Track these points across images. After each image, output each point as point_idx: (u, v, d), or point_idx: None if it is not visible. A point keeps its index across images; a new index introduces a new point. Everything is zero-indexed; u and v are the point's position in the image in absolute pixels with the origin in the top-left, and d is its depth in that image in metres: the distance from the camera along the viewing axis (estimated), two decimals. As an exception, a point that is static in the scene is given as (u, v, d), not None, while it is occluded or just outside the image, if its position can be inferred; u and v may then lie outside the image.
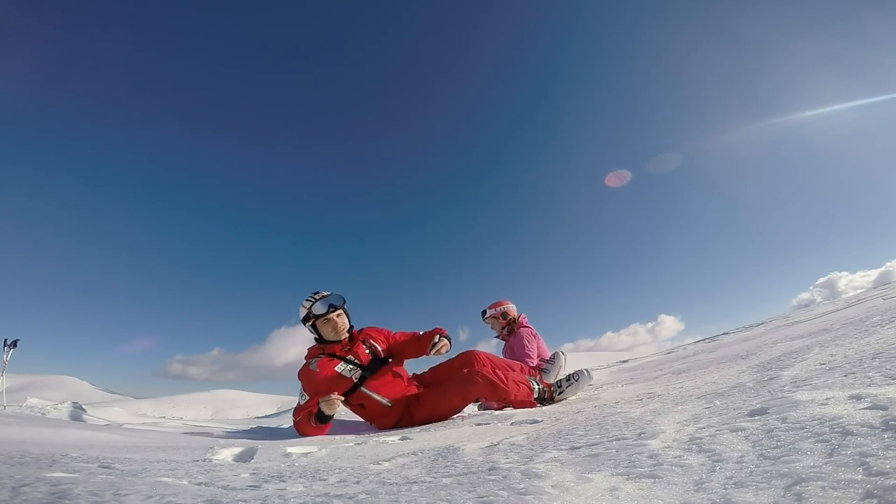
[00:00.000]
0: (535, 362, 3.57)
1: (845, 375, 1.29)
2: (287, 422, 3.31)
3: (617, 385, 3.09)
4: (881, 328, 2.11)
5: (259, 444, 1.86)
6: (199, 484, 1.04)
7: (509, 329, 3.86)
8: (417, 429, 2.26)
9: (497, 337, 3.97)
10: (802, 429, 0.88)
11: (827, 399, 1.06)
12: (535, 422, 1.82)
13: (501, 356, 3.48)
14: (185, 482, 1.05)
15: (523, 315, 3.94)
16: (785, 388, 1.33)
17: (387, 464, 1.30)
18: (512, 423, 1.90)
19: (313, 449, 1.74)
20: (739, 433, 0.96)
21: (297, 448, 1.74)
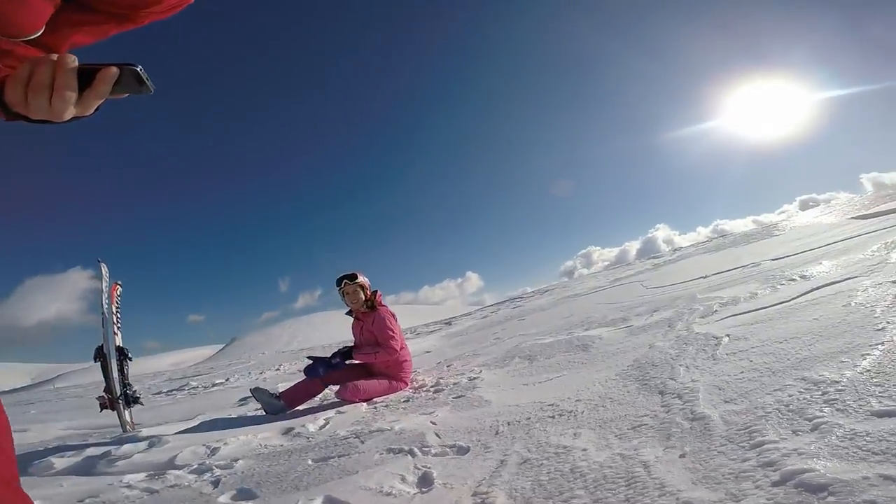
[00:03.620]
0: (399, 347, 3.32)
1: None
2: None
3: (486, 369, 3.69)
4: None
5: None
6: None
7: (370, 306, 3.43)
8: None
9: (351, 312, 3.50)
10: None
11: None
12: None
13: (353, 333, 3.56)
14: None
15: (379, 292, 3.54)
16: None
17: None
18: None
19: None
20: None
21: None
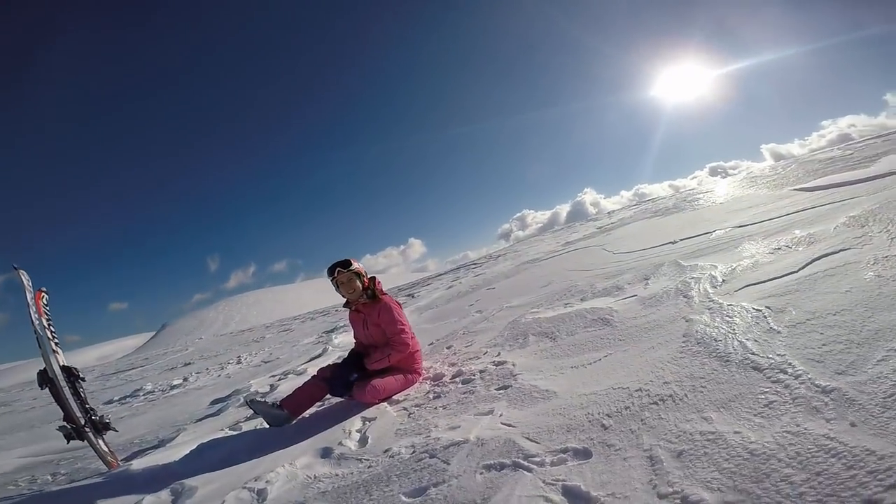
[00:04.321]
0: (411, 341, 3.02)
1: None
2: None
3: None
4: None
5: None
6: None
7: (370, 296, 3.07)
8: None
9: (349, 304, 3.15)
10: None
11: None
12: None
13: (352, 326, 3.26)
14: None
15: (378, 279, 3.19)
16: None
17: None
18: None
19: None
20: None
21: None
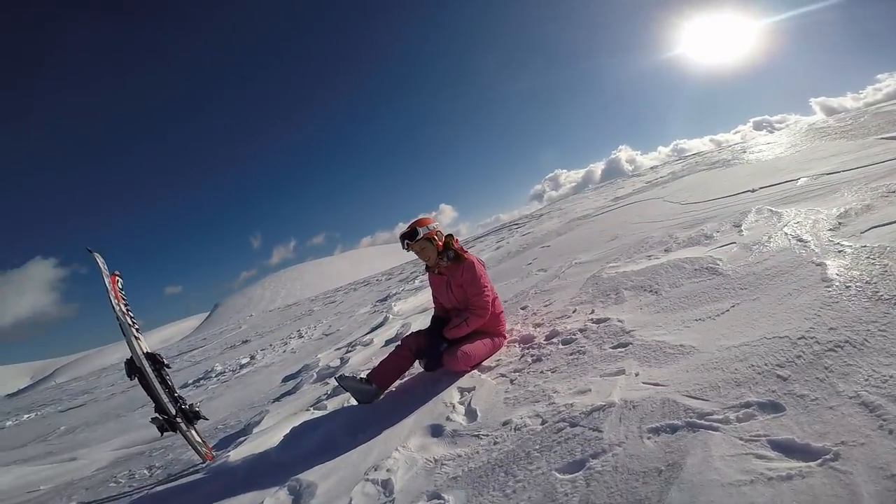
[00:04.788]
0: (492, 301, 2.76)
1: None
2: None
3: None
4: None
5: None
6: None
7: (452, 257, 2.79)
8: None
9: (429, 270, 2.92)
10: None
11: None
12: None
13: (433, 289, 2.97)
14: None
15: (455, 237, 2.89)
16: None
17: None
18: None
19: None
20: None
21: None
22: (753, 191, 4.68)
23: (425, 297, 6.08)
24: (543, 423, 1.67)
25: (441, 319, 2.86)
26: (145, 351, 3.08)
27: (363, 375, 2.70)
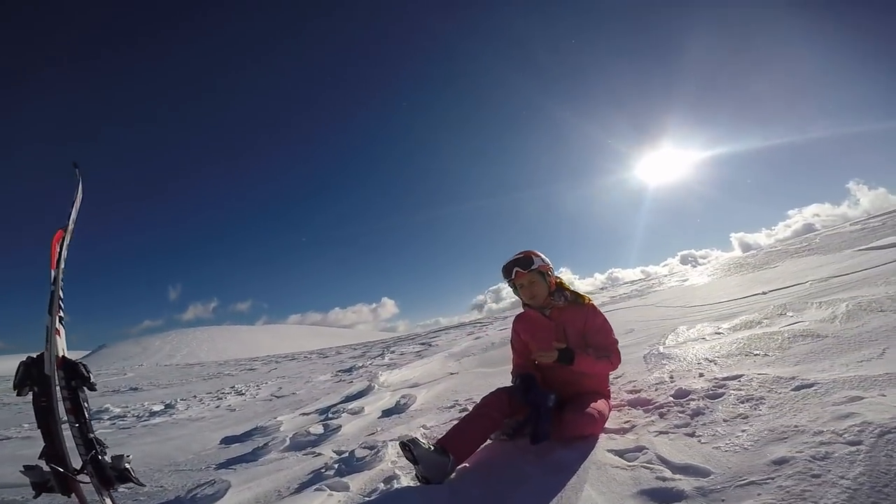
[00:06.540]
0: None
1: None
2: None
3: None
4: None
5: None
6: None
7: (570, 298, 2.20)
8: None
9: (530, 305, 2.24)
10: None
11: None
12: None
13: (527, 337, 2.27)
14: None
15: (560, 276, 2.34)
16: None
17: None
18: None
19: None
20: None
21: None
22: (764, 293, 4.76)
23: (411, 372, 5.14)
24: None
25: (531, 378, 2.05)
26: (62, 355, 1.90)
27: (434, 444, 1.76)
